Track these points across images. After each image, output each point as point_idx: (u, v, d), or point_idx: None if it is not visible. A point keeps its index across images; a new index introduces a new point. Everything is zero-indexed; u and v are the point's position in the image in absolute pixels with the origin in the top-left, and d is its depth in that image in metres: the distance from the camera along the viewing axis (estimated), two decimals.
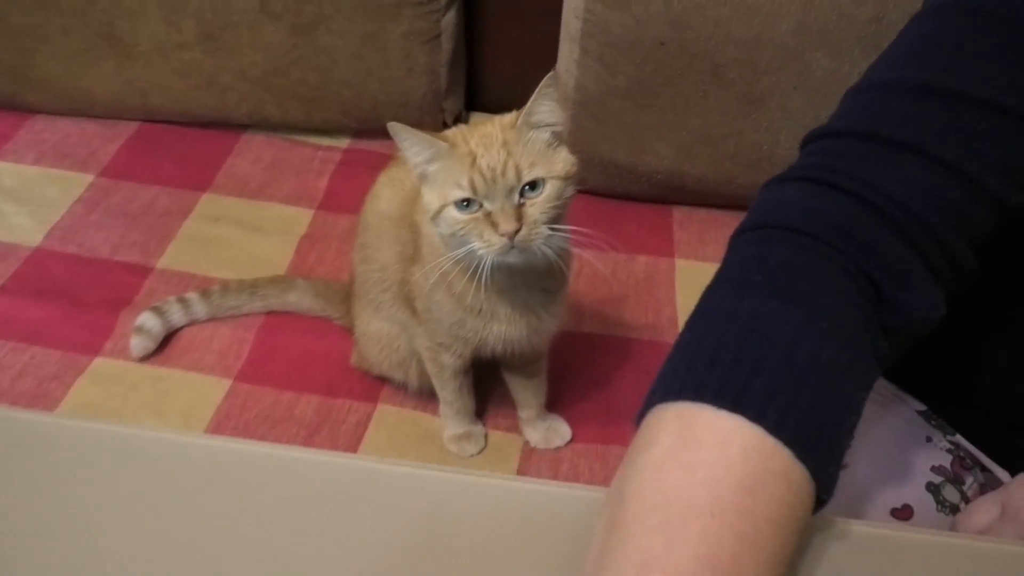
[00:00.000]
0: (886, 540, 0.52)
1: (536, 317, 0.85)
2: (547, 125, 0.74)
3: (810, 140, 0.60)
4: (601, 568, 0.44)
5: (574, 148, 1.22)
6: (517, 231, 0.72)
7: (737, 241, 0.57)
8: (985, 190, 0.53)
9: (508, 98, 1.38)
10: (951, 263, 0.54)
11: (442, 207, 0.74)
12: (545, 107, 0.73)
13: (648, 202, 1.28)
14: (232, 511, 0.51)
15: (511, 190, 0.72)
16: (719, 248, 1.22)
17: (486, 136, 0.73)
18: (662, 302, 1.14)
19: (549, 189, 0.74)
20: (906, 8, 1.05)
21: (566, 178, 0.75)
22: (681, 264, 1.19)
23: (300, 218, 1.24)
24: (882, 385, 0.83)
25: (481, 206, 0.73)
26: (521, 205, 0.73)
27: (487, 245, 0.73)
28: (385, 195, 0.91)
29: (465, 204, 0.73)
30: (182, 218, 1.23)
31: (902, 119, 0.55)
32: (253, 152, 1.34)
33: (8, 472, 0.52)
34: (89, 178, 1.28)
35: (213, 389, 1.01)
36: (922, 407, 0.82)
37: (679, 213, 1.27)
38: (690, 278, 1.17)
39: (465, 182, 0.72)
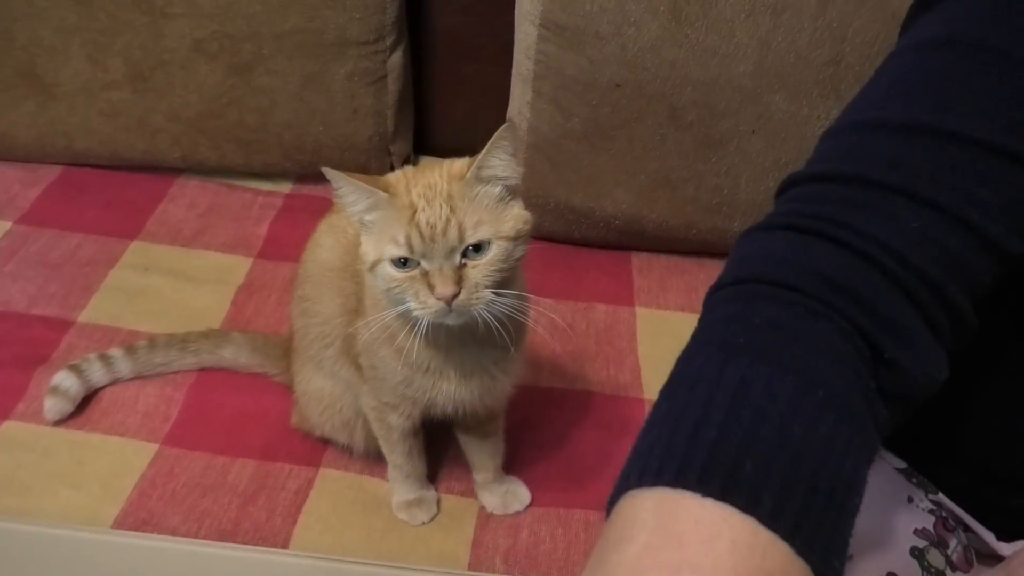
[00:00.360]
0: None
1: (489, 376, 0.79)
2: (499, 179, 0.69)
3: (789, 186, 0.55)
4: None
5: (528, 193, 1.19)
6: (456, 295, 0.66)
7: (715, 298, 0.51)
8: (985, 238, 0.49)
9: (458, 141, 1.33)
10: (952, 319, 0.49)
11: (377, 261, 0.69)
12: (499, 160, 0.68)
13: (606, 248, 1.24)
14: None
15: (451, 251, 0.67)
16: (681, 295, 1.21)
17: (430, 187, 0.67)
18: (624, 353, 1.08)
19: (495, 251, 0.68)
20: (863, 51, 1.05)
21: (515, 238, 0.69)
22: (642, 312, 1.15)
23: (237, 267, 1.16)
24: None
25: (419, 264, 0.67)
26: (462, 266, 0.67)
27: (422, 307, 0.67)
28: (326, 244, 0.84)
29: (402, 262, 0.67)
30: (108, 268, 1.14)
31: (891, 161, 0.50)
32: (187, 197, 1.27)
33: None
34: (6, 225, 1.19)
35: (137, 454, 0.92)
36: (902, 464, 0.78)
37: (638, 259, 1.23)
38: (652, 327, 1.12)
39: (402, 238, 0.66)
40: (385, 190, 0.68)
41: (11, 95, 1.22)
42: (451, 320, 0.69)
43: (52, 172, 1.28)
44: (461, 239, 0.67)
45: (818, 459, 0.42)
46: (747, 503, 0.39)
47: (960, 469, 0.75)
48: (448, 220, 0.66)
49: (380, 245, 0.68)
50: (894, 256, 0.48)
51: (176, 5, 1.15)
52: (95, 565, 0.45)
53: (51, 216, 1.21)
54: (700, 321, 0.51)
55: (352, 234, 0.81)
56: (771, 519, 0.39)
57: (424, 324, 0.69)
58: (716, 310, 0.50)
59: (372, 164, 1.28)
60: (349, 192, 0.69)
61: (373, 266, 0.69)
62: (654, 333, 1.11)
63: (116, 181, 1.28)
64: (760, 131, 1.09)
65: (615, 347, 1.10)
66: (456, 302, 0.67)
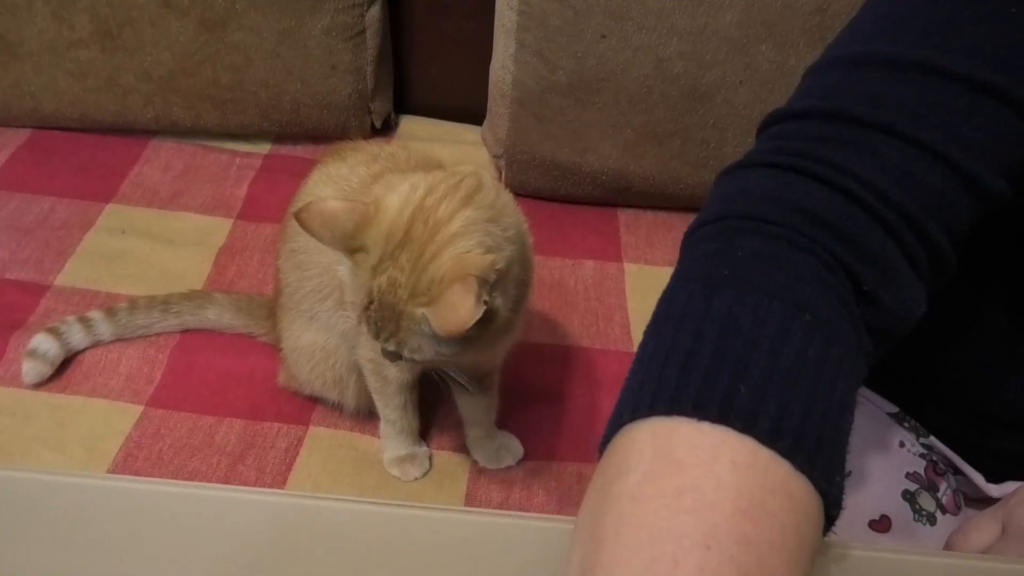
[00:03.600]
0: (886, 562, 0.47)
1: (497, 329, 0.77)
2: None
3: (770, 123, 0.54)
4: None
5: (514, 149, 1.18)
6: (398, 360, 0.71)
7: (695, 237, 0.51)
8: (966, 176, 0.48)
9: (439, 99, 1.33)
10: (932, 257, 0.49)
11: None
12: None
13: (593, 205, 1.22)
14: (145, 560, 0.42)
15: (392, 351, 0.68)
16: (669, 251, 1.21)
17: (392, 285, 0.64)
18: (612, 308, 1.08)
19: (432, 356, 0.68)
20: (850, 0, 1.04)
21: (459, 343, 0.66)
22: (630, 268, 1.14)
23: (217, 228, 1.14)
24: None
25: None
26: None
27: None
28: (324, 194, 0.81)
29: None
30: (83, 231, 1.11)
31: (873, 97, 0.50)
32: (162, 159, 1.24)
33: None
34: None
35: (121, 417, 0.90)
36: (893, 409, 0.78)
37: (625, 216, 1.22)
38: (640, 283, 1.12)
39: (355, 315, 0.67)
40: (355, 237, 0.65)
41: None
42: None
43: (20, 135, 1.24)
44: (399, 349, 0.67)
45: (811, 380, 0.42)
46: (744, 425, 0.39)
47: (948, 411, 0.76)
48: (392, 334, 0.66)
49: (347, 288, 0.69)
50: (874, 192, 0.47)
51: None
52: (88, 511, 0.44)
53: (21, 180, 1.18)
54: (681, 260, 0.50)
55: (356, 183, 0.79)
56: (770, 438, 0.39)
57: None
58: (697, 248, 0.49)
59: (352, 123, 1.25)
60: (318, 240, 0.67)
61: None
62: (643, 288, 1.11)
63: (87, 144, 1.24)
64: (747, 82, 1.08)
65: (604, 303, 1.09)
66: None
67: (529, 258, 0.76)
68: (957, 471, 0.77)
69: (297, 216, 0.65)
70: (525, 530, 0.46)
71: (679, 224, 1.20)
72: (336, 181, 0.81)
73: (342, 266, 0.68)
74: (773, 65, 1.07)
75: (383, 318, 0.65)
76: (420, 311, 0.63)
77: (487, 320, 0.64)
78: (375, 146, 0.87)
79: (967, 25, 0.49)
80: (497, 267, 0.64)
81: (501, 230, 0.67)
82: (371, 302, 0.65)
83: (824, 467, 0.40)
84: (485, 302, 0.63)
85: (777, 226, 0.47)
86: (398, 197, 0.66)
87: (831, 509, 0.42)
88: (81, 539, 0.43)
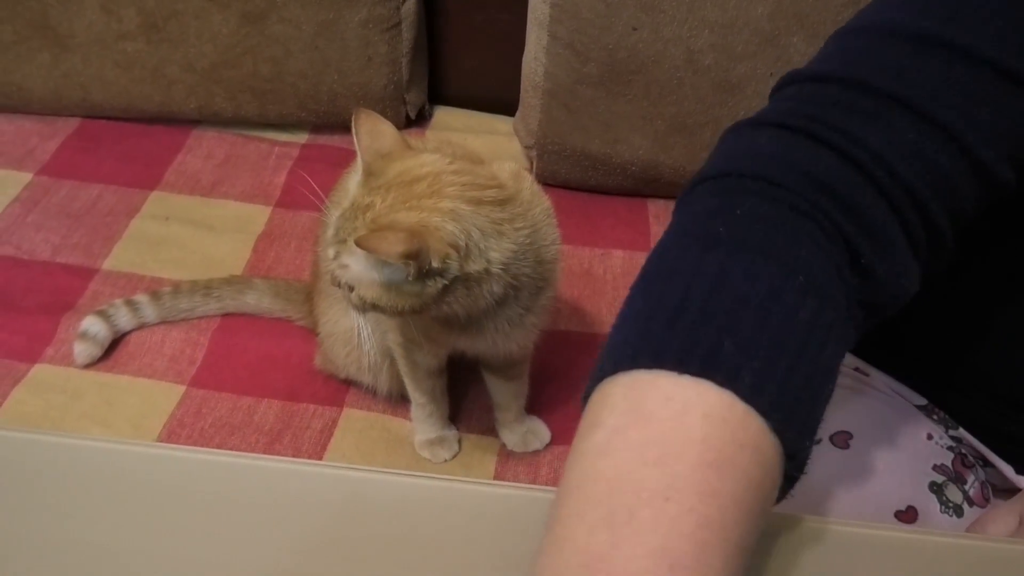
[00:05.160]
0: (899, 543, 0.48)
1: (503, 334, 0.78)
2: None
3: (788, 83, 0.53)
4: None
5: (544, 139, 1.19)
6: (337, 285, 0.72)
7: (696, 191, 0.49)
8: (976, 161, 0.48)
9: (472, 90, 1.35)
10: (931, 237, 0.48)
11: None
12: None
13: (623, 195, 1.24)
14: (188, 524, 0.45)
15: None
16: None
17: (370, 205, 0.67)
18: None
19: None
20: None
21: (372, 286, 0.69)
22: None
23: (257, 216, 1.17)
24: (880, 379, 0.79)
25: None
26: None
27: None
28: None
29: None
30: (129, 217, 1.15)
31: (894, 69, 0.49)
32: (204, 148, 1.28)
33: None
34: (27, 177, 1.20)
35: (165, 396, 0.94)
36: (922, 401, 0.79)
37: (655, 206, 1.23)
38: None
39: (332, 217, 0.69)
40: (383, 159, 0.68)
41: (26, 47, 1.22)
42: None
43: (70, 124, 1.29)
44: (335, 259, 0.68)
45: (799, 341, 0.41)
46: (726, 378, 0.38)
47: (976, 401, 0.75)
48: (341, 241, 0.67)
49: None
50: (883, 166, 0.46)
51: None
52: (139, 475, 0.47)
53: (71, 168, 1.22)
54: (677, 213, 0.49)
55: None
56: (750, 393, 0.38)
57: None
58: (696, 203, 0.48)
59: (387, 113, 1.27)
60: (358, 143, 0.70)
61: None
62: None
63: (133, 133, 1.28)
64: (778, 74, 1.05)
65: None
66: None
67: (550, 269, 0.77)
68: (987, 463, 0.77)
69: (356, 114, 0.67)
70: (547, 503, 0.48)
71: None
72: None
73: (352, 180, 0.71)
74: (804, 57, 1.05)
75: (344, 227, 0.67)
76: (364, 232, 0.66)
77: (400, 288, 0.66)
78: (418, 139, 0.89)
79: (997, 9, 0.49)
80: (446, 261, 0.65)
81: (484, 244, 0.67)
82: (347, 209, 0.68)
83: (798, 429, 0.40)
84: (410, 270, 0.64)
85: (781, 188, 0.46)
86: (433, 156, 0.69)
87: (795, 471, 0.42)
88: (124, 504, 0.46)
